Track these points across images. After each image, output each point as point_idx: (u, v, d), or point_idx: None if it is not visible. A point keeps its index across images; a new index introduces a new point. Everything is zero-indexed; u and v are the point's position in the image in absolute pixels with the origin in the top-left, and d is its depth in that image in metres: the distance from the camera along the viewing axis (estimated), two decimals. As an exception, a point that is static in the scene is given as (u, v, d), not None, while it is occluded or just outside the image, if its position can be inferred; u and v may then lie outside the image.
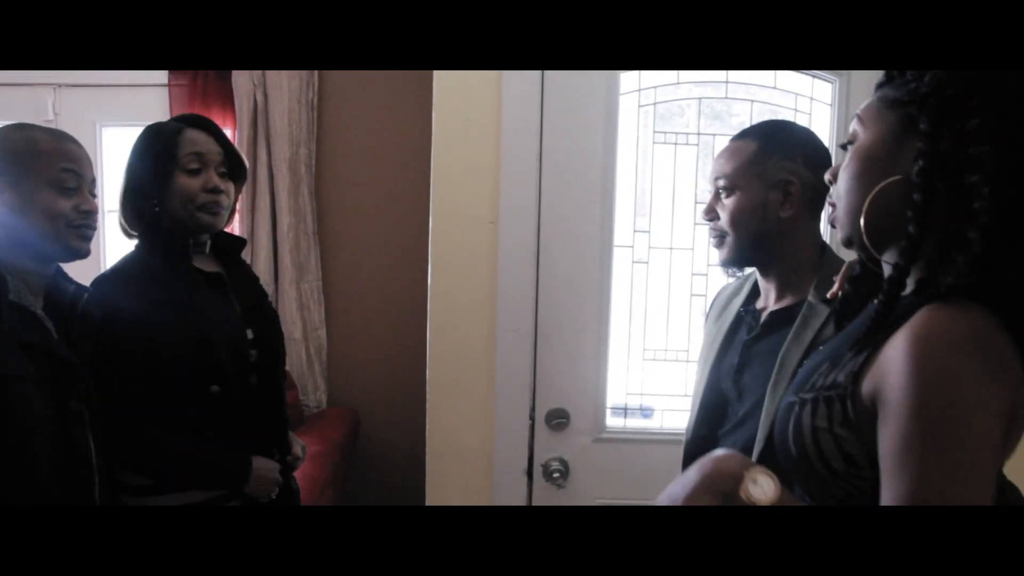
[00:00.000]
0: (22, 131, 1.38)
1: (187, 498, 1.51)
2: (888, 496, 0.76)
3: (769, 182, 1.30)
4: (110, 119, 2.86)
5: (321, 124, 2.86)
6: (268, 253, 2.81)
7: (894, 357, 0.78)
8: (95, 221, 1.39)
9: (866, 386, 0.81)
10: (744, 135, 1.35)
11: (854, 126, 0.91)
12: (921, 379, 0.74)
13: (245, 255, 2.74)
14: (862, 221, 0.87)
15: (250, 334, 1.60)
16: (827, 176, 1.14)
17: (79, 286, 1.49)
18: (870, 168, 0.87)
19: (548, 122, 1.97)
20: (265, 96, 2.76)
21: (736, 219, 1.32)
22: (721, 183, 1.33)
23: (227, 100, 2.78)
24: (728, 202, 1.32)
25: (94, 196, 1.39)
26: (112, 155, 2.87)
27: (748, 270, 1.44)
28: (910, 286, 0.86)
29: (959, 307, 0.77)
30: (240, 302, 1.62)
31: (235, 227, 2.62)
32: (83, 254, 1.39)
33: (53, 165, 1.34)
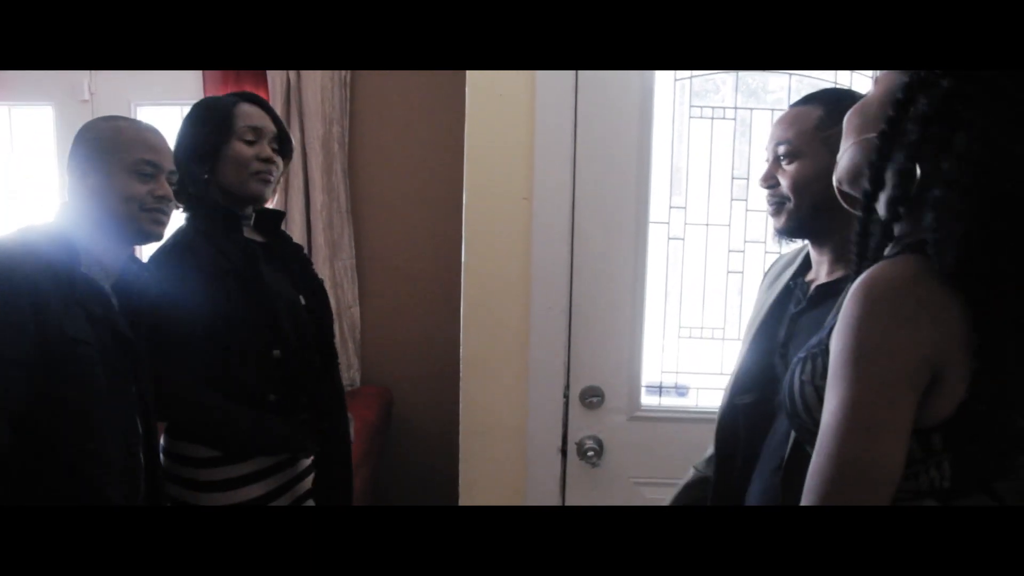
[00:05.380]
0: (109, 121, 1.44)
1: (254, 465, 1.55)
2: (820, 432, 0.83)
3: (834, 149, 1.27)
4: (145, 99, 2.88)
5: (354, 102, 2.85)
6: (302, 232, 2.82)
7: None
8: (169, 207, 1.44)
9: None
10: (808, 100, 1.33)
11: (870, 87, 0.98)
12: (843, 324, 0.82)
13: (279, 234, 2.77)
14: (841, 170, 0.97)
15: (303, 300, 1.66)
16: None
17: (144, 267, 1.53)
18: (862, 124, 0.94)
19: (583, 97, 1.94)
20: (298, 74, 2.76)
21: (799, 186, 1.29)
22: (783, 149, 1.31)
23: (260, 78, 2.78)
24: (791, 168, 1.30)
25: (172, 186, 1.44)
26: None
27: (800, 242, 1.41)
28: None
29: (894, 261, 0.83)
30: (289, 270, 1.68)
31: (272, 204, 2.63)
32: (156, 237, 1.45)
33: (133, 152, 1.39)
